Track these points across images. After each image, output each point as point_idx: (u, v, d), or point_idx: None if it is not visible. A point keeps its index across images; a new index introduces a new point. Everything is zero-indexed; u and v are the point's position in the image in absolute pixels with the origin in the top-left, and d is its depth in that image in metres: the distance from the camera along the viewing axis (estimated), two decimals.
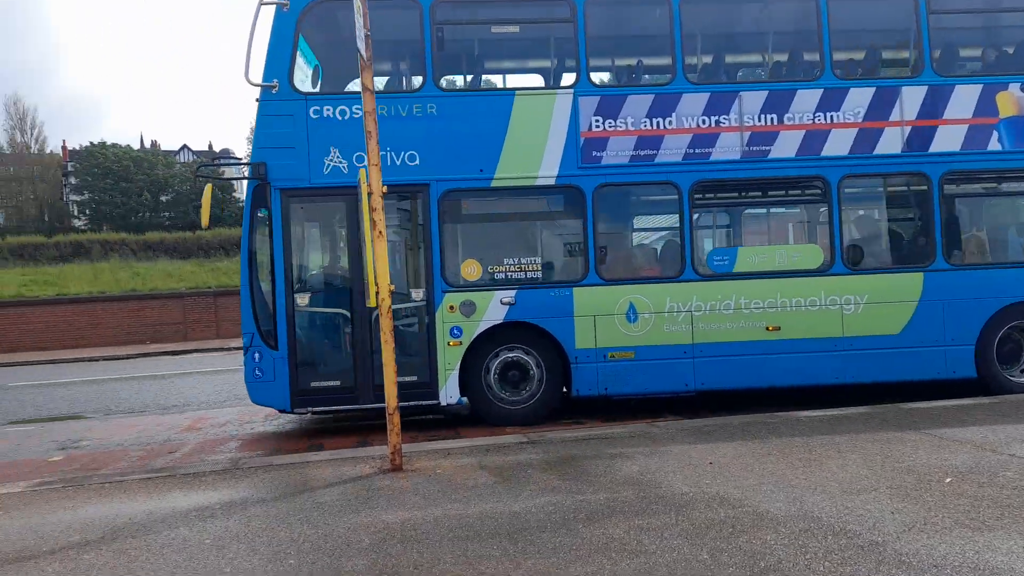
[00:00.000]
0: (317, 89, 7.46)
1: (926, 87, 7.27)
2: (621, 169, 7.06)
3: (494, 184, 7.06)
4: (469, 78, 8.25)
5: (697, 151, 7.15)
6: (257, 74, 6.85)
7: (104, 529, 4.29)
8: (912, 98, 7.24)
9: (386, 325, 5.22)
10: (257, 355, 6.91)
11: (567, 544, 3.62)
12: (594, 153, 7.07)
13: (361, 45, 5.16)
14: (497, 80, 8.71)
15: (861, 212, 8.18)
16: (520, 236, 7.49)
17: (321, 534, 3.96)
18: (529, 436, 6.16)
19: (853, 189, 7.54)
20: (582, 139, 7.05)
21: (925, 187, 7.28)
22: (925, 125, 7.23)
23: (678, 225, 7.18)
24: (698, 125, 7.14)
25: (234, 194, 40.94)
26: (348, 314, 7.03)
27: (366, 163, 5.24)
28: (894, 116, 7.23)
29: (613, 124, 7.04)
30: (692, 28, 7.41)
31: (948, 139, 7.25)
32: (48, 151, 69.89)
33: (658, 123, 7.11)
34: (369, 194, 5.25)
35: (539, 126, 7.06)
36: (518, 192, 7.23)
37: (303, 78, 7.21)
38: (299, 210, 7.13)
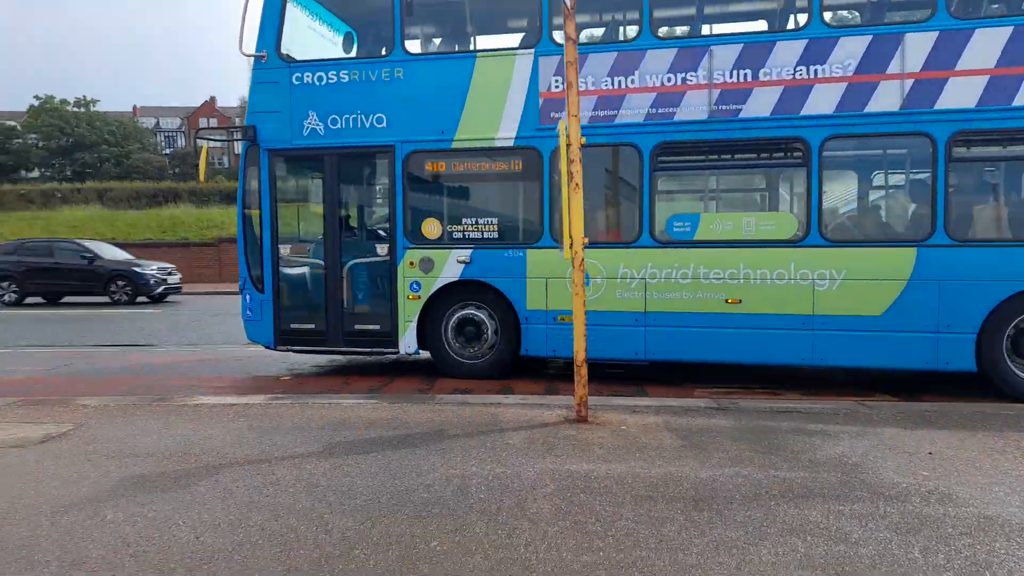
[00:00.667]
0: (294, 56, 7.62)
1: (937, 32, 6.16)
2: (582, 131, 5.69)
3: (454, 145, 7.16)
4: (438, 42, 8.28)
5: (660, 111, 6.74)
6: (251, 47, 7.48)
7: (323, 444, 4.78)
8: (918, 46, 6.20)
9: (578, 279, 5.21)
10: (248, 297, 7.73)
11: (757, 519, 3.44)
12: (553, 114, 6.84)
13: None
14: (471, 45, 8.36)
15: (846, 178, 7.22)
16: (478, 197, 7.47)
17: (509, 474, 4.10)
18: (720, 402, 5.93)
19: (838, 152, 6.69)
20: (541, 100, 6.91)
21: (929, 150, 6.24)
22: (932, 77, 6.18)
23: (637, 188, 6.80)
24: (662, 83, 6.71)
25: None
26: (323, 264, 7.57)
27: (565, 114, 5.26)
28: (893, 68, 6.27)
29: (563, 84, 6.54)
30: None
31: (961, 93, 6.13)
32: None
33: (619, 82, 6.80)
34: (568, 146, 5.20)
35: (499, 87, 7.00)
36: (477, 153, 7.23)
37: (290, 47, 7.60)
38: (283, 168, 7.68)
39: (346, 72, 7.47)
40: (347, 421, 5.38)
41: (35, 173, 60.62)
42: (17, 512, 3.63)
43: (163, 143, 73.20)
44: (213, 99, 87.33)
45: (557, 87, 6.86)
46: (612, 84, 6.84)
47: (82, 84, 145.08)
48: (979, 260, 6.16)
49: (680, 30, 7.69)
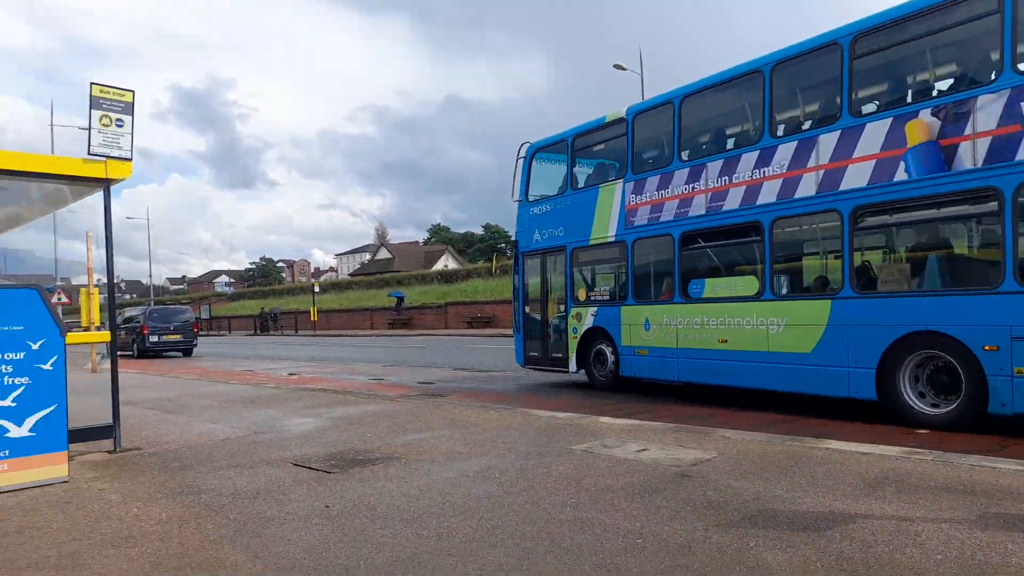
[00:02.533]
0: (531, 198, 12.74)
1: (839, 131, 7.87)
2: (642, 228, 10.39)
3: (590, 243, 11.35)
4: (584, 180, 12.15)
5: (680, 211, 9.77)
6: (515, 194, 13.06)
7: (976, 512, 4.14)
8: (827, 143, 7.98)
9: None
10: (514, 337, 13.29)
11: None
12: (631, 220, 10.56)
13: None
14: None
15: (785, 248, 8.95)
16: (600, 274, 11.72)
17: None
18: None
19: (780, 230, 8.62)
20: (626, 210, 10.64)
21: (837, 222, 7.87)
22: (836, 167, 7.86)
23: (673, 262, 9.89)
24: (682, 192, 9.74)
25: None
26: (539, 317, 12.62)
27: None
28: (811, 162, 8.13)
29: (638, 198, 10.45)
30: (691, 129, 10.28)
31: (857, 176, 7.66)
32: None
33: (661, 193, 10.06)
34: None
35: (608, 205, 10.92)
36: (598, 247, 11.25)
37: (533, 192, 12.76)
38: (525, 262, 12.91)
39: (548, 205, 12.36)
40: (1005, 489, 4.53)
41: None
42: (676, 525, 4.19)
43: None
44: None
45: (632, 200, 10.59)
46: (656, 196, 10.20)
47: None
48: (875, 309, 7.59)
49: (688, 153, 10.11)
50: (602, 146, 11.67)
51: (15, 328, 5.50)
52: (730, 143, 9.88)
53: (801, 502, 4.51)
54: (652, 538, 3.93)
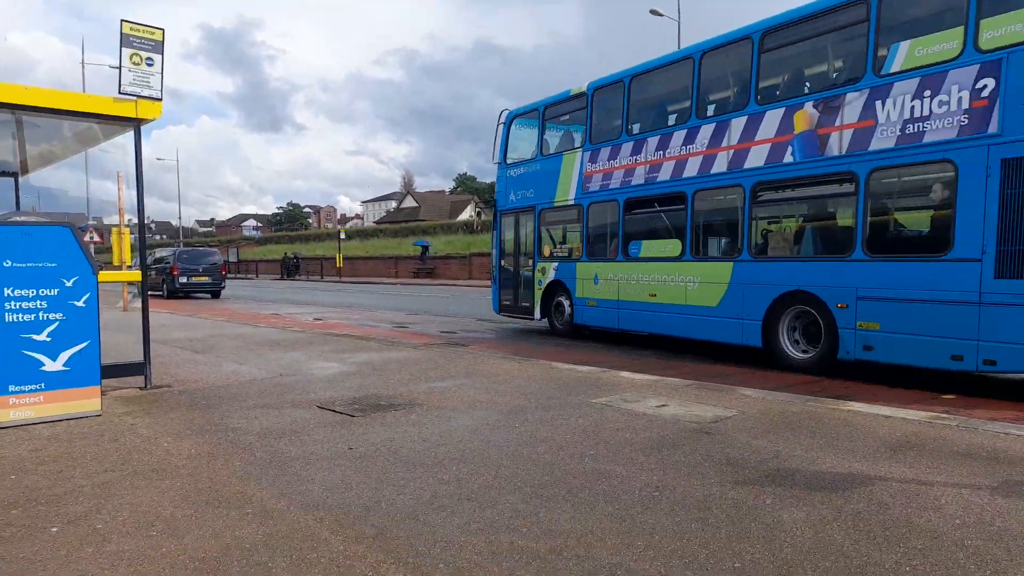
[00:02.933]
0: (508, 161, 14.04)
1: (746, 116, 9.15)
2: (595, 193, 11.79)
3: (555, 204, 12.72)
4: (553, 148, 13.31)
5: (625, 180, 11.16)
6: (495, 156, 14.22)
7: (998, 479, 4.12)
8: (737, 127, 9.28)
9: None
10: (492, 287, 14.82)
11: None
12: (588, 185, 11.92)
13: None
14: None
15: (702, 216, 10.11)
16: (560, 234, 13.17)
17: None
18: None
19: (699, 200, 9.97)
20: (583, 176, 12.04)
21: (741, 195, 9.25)
22: (743, 148, 9.16)
23: (618, 225, 11.36)
24: (627, 163, 11.11)
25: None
26: (512, 270, 14.05)
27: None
28: (724, 143, 9.43)
29: (593, 166, 11.80)
30: (638, 106, 11.27)
31: (757, 157, 8.99)
32: None
33: (611, 163, 11.43)
34: None
35: (570, 171, 12.27)
36: (561, 209, 12.62)
37: (510, 155, 14.06)
38: (501, 220, 14.23)
39: (522, 167, 13.60)
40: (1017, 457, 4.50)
41: None
42: (694, 480, 4.23)
43: None
44: None
45: (588, 169, 11.90)
46: (607, 165, 11.50)
47: None
48: (764, 271, 9.06)
49: (636, 128, 11.24)
50: (568, 116, 12.83)
51: (49, 265, 5.62)
52: (669, 120, 10.83)
53: (820, 462, 4.51)
54: (669, 492, 3.97)
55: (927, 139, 7.29)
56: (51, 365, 5.65)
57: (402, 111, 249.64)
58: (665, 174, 10.37)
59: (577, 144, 12.34)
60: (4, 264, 5.43)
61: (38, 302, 5.58)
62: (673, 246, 10.39)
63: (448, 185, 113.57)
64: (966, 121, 6.98)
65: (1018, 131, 6.63)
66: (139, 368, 7.01)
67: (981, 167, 6.83)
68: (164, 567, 3.04)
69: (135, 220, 7.22)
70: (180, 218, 72.34)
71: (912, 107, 7.41)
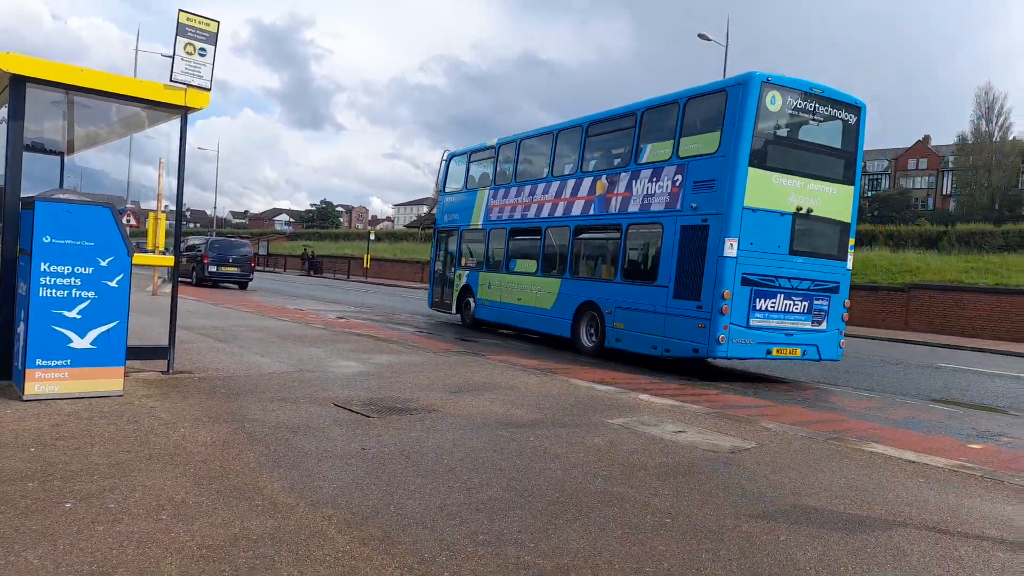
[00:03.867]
0: (446, 191, 18.39)
1: (575, 179, 13.36)
2: (494, 222, 15.74)
3: (471, 227, 16.69)
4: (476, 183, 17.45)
5: (511, 214, 15.22)
6: (437, 187, 19.98)
7: (1020, 535, 3.99)
8: (569, 185, 13.46)
9: None
10: (428, 287, 19.61)
11: None
12: (490, 215, 15.89)
13: None
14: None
15: (549, 246, 14.00)
16: (472, 249, 16.84)
17: None
18: None
19: (549, 233, 13.95)
20: (488, 208, 16.02)
21: (568, 233, 13.32)
22: (571, 200, 13.31)
23: (505, 247, 15.35)
24: (514, 202, 15.13)
25: None
26: (442, 275, 18.01)
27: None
28: (562, 196, 13.61)
29: (494, 202, 15.83)
30: (522, 161, 15.52)
31: (577, 208, 13.14)
32: (1011, 138, 68.30)
33: (505, 200, 15.42)
34: None
35: (481, 203, 16.30)
36: (474, 231, 16.59)
37: (448, 187, 18.41)
38: (439, 235, 18.31)
39: (453, 196, 17.68)
40: None
41: None
42: (707, 510, 4.16)
43: (866, 186, 73.64)
44: (927, 138, 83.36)
45: (492, 203, 15.89)
46: (503, 201, 15.56)
47: None
48: (574, 286, 13.01)
49: (520, 177, 15.42)
50: (485, 161, 16.99)
51: (87, 244, 5.72)
52: (540, 174, 14.85)
53: (838, 502, 4.42)
54: (681, 519, 3.91)
55: (652, 209, 11.32)
56: (79, 342, 5.74)
57: (442, 118, 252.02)
58: (532, 213, 14.57)
59: (487, 183, 16.49)
60: (43, 239, 5.54)
61: (72, 279, 5.68)
62: (533, 265, 14.46)
63: None
64: (669, 200, 10.95)
65: (688, 208, 10.51)
66: (163, 352, 7.09)
67: (673, 229, 10.72)
68: (171, 551, 3.06)
69: (172, 207, 7.31)
70: (215, 207, 73.40)
71: (647, 187, 11.43)
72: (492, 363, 9.79)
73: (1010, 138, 67.45)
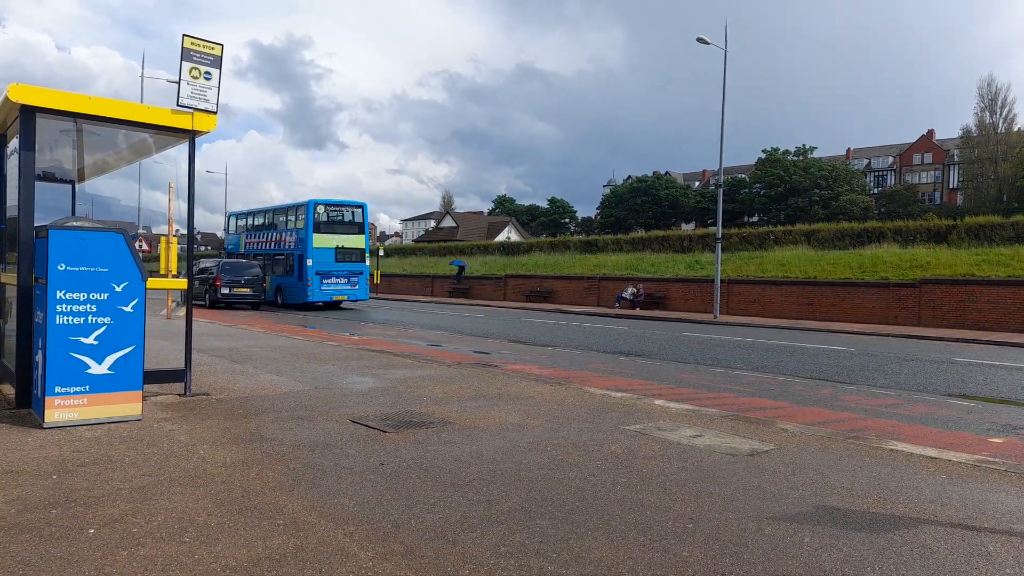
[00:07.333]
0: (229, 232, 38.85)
1: (265, 234, 32.35)
2: (246, 248, 33.89)
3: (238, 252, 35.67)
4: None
5: (256, 246, 33.04)
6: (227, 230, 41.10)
7: None
8: (260, 236, 32.84)
9: None
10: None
11: None
12: (245, 245, 34.33)
13: None
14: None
15: (266, 261, 30.81)
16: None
17: None
18: None
19: (264, 257, 31.74)
20: (244, 242, 34.46)
21: (265, 256, 31.45)
22: (256, 243, 33.15)
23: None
24: (247, 241, 33.97)
25: None
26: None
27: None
28: (253, 240, 33.66)
29: (245, 240, 34.35)
30: (249, 224, 35.09)
31: (268, 246, 31.99)
32: (1016, 129, 67.93)
33: (246, 240, 34.15)
34: None
35: (243, 238, 35.27)
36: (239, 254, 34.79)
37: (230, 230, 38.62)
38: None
39: (234, 236, 37.07)
40: None
41: (755, 218, 69.28)
42: (729, 514, 4.13)
43: (872, 183, 73.36)
44: (931, 132, 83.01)
45: (246, 240, 34.77)
46: (246, 240, 34.47)
47: (803, 134, 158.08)
48: (287, 279, 30.66)
49: (248, 229, 34.87)
50: (246, 219, 34.32)
51: (101, 270, 5.78)
52: (257, 226, 33.24)
53: (860, 501, 4.38)
54: (704, 524, 3.89)
55: (284, 248, 30.06)
56: (96, 368, 5.78)
57: (443, 132, 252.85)
58: (252, 247, 32.96)
59: (244, 230, 34.28)
60: (58, 267, 5.60)
61: (88, 305, 5.73)
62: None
63: (487, 206, 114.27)
64: (292, 244, 29.32)
65: (298, 247, 28.99)
66: (180, 375, 7.14)
67: (295, 256, 29.01)
68: (195, 574, 3.07)
69: (182, 230, 7.36)
70: (225, 230, 73.84)
71: (284, 238, 30.34)
72: (507, 374, 9.78)
73: (1015, 129, 67.10)
